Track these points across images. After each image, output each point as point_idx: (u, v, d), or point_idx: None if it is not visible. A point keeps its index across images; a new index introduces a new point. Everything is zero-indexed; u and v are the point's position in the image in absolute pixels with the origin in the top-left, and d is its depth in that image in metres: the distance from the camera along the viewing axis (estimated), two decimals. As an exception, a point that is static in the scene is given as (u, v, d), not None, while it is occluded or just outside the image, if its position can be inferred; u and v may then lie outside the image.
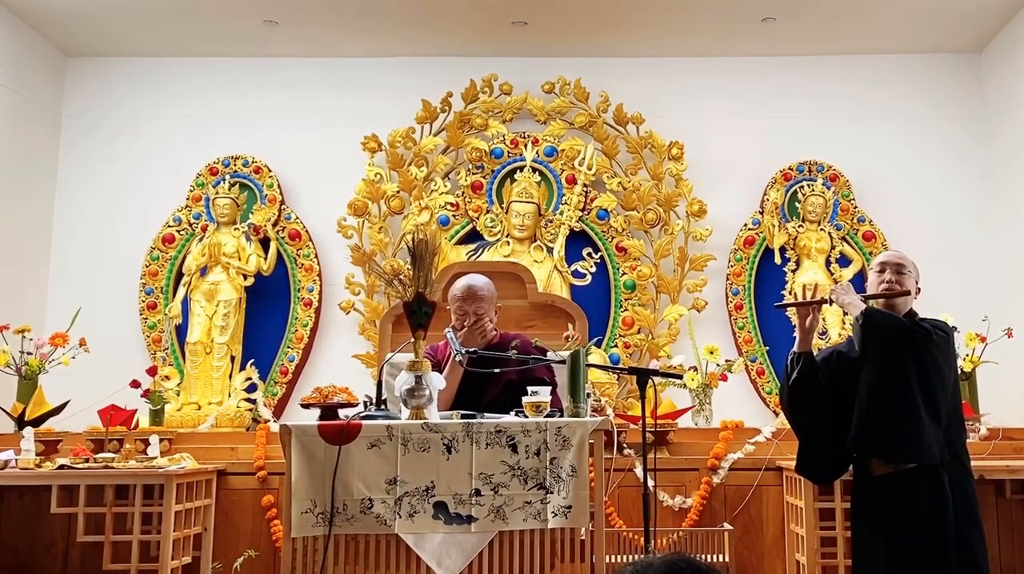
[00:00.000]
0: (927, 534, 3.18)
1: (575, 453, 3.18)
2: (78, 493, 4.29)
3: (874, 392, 3.30)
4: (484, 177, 6.60)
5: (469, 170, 6.62)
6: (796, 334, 3.60)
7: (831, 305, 3.56)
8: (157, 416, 5.56)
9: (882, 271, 3.52)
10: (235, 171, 6.64)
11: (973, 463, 3.43)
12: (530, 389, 3.35)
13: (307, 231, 6.61)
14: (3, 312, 5.80)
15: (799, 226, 6.51)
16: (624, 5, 6.19)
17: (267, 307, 6.52)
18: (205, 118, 6.82)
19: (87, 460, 4.41)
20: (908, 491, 3.23)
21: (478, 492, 3.12)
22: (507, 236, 6.50)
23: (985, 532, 3.35)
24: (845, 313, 3.62)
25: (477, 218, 6.55)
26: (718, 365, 5.61)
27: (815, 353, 3.62)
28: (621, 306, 6.45)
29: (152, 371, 5.67)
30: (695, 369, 5.61)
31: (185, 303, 6.40)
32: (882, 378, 3.29)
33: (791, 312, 6.20)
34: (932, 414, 3.24)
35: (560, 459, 3.17)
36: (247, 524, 4.77)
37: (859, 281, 6.45)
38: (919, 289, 3.55)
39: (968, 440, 3.57)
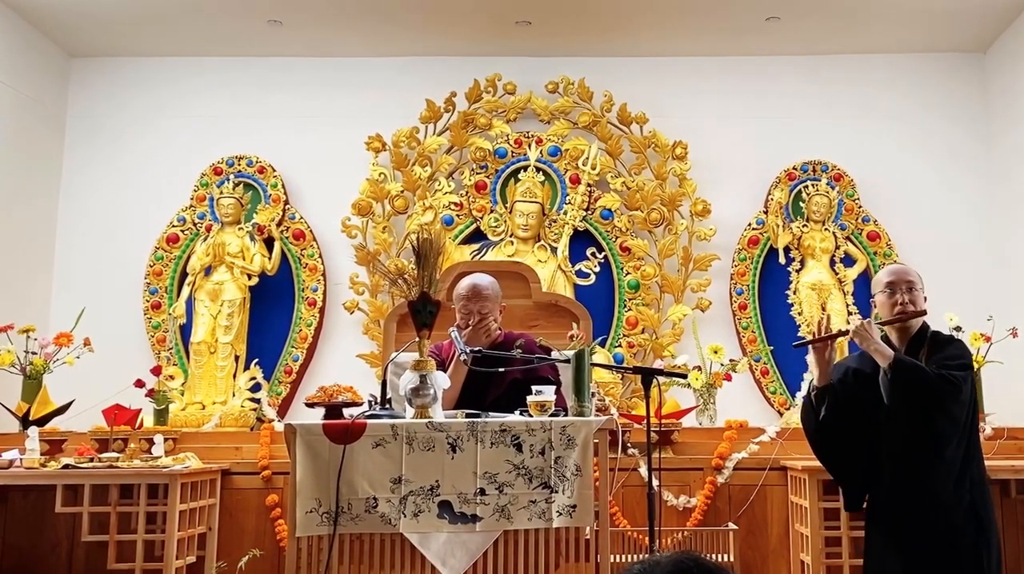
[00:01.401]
0: (942, 542, 3.16)
1: (580, 452, 3.18)
2: (82, 492, 4.30)
3: (905, 447, 3.22)
4: (488, 177, 6.60)
5: (473, 170, 6.62)
6: (814, 369, 3.41)
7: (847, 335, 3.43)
8: (161, 416, 5.56)
9: (893, 292, 3.41)
10: (239, 171, 6.64)
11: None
12: (534, 388, 3.35)
13: (311, 231, 6.62)
14: (8, 312, 5.81)
15: (803, 226, 6.50)
16: (628, 5, 6.19)
17: (271, 307, 6.52)
18: (209, 118, 6.82)
19: (91, 459, 4.42)
20: (929, 521, 3.19)
21: (483, 491, 3.12)
22: (511, 236, 6.50)
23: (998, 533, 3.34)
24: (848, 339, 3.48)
25: (481, 218, 6.55)
26: (722, 365, 5.60)
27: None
28: (625, 306, 6.45)
29: (156, 371, 5.68)
30: (699, 369, 5.61)
31: (189, 303, 6.41)
32: (912, 433, 3.21)
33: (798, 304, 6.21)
34: (963, 457, 3.21)
35: (565, 458, 3.17)
36: (251, 524, 4.78)
37: (863, 283, 6.45)
38: (925, 298, 3.45)
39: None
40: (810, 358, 3.44)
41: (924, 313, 3.42)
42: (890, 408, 3.24)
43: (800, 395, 5.94)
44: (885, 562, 3.30)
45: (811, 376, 3.46)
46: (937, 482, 3.19)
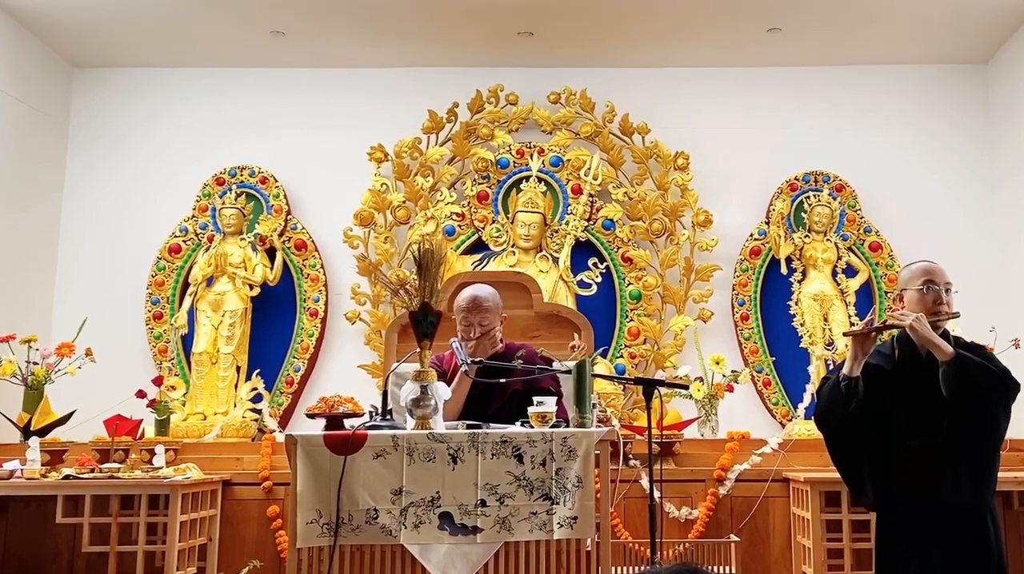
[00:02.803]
0: (969, 563, 3.15)
1: (581, 463, 3.17)
2: (83, 503, 4.30)
3: (964, 440, 3.18)
4: (490, 187, 6.60)
5: (475, 180, 6.62)
6: (851, 360, 3.35)
7: (901, 330, 3.37)
8: (163, 426, 5.56)
9: (928, 291, 3.35)
10: (241, 181, 6.65)
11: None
12: (535, 399, 3.34)
13: (313, 241, 6.62)
14: (9, 322, 5.81)
15: (805, 236, 6.49)
16: (630, 16, 6.20)
17: (273, 317, 6.52)
18: (211, 128, 6.83)
19: (92, 470, 4.42)
20: (955, 519, 3.18)
21: (484, 502, 3.11)
22: (513, 246, 6.50)
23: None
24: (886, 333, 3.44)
25: (483, 228, 6.55)
26: (724, 375, 5.59)
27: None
28: (627, 316, 6.44)
29: (158, 381, 5.68)
30: (701, 379, 5.60)
31: (191, 313, 6.40)
32: (974, 429, 3.18)
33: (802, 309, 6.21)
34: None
35: (566, 470, 3.16)
36: (252, 534, 4.77)
37: (865, 293, 6.45)
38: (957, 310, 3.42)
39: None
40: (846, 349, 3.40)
41: (958, 315, 3.38)
42: (950, 401, 3.17)
43: (802, 406, 5.94)
44: (903, 565, 3.28)
45: (812, 370, 3.46)
46: (988, 474, 3.20)
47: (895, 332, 3.43)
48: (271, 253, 6.54)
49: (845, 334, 3.95)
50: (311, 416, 5.12)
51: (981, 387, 3.15)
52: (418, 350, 3.29)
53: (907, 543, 3.27)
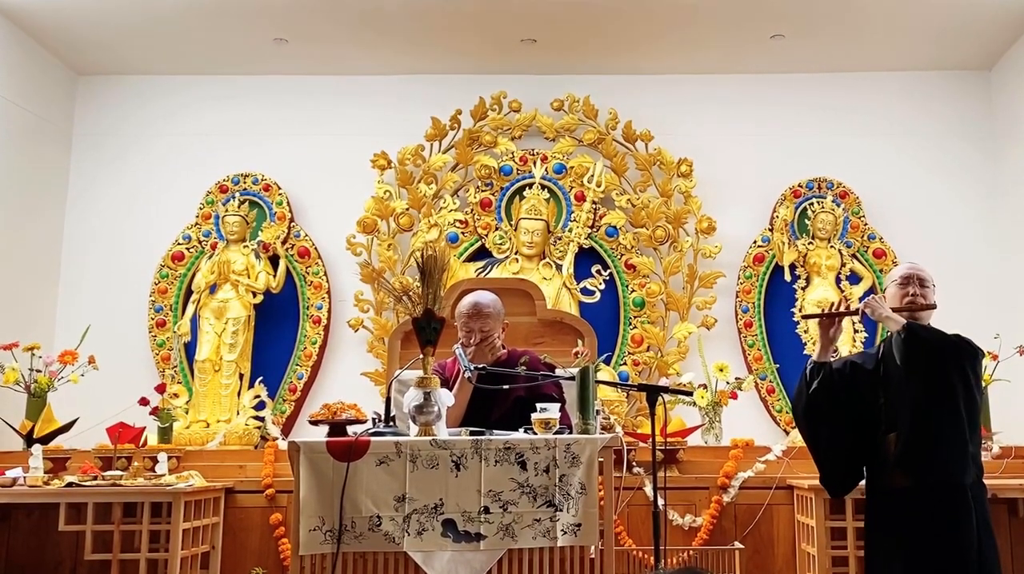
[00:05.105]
0: (948, 549, 3.16)
1: (584, 470, 3.16)
2: (86, 511, 4.28)
3: (921, 410, 3.24)
4: (493, 194, 6.60)
5: (478, 187, 6.62)
6: (817, 344, 3.62)
7: (861, 316, 3.53)
8: (165, 434, 5.55)
9: (905, 284, 3.48)
10: (245, 189, 6.65)
11: (985, 482, 3.40)
12: (539, 406, 3.34)
13: (316, 248, 6.62)
14: (13, 329, 5.81)
15: (809, 243, 6.49)
16: (633, 23, 6.20)
17: (276, 325, 6.52)
18: (215, 136, 6.84)
19: (95, 478, 4.41)
20: (933, 505, 3.20)
21: (487, 509, 3.10)
22: (516, 253, 6.49)
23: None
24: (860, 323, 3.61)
25: (486, 235, 6.55)
26: (728, 383, 5.58)
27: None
28: (630, 323, 6.43)
29: (161, 389, 5.67)
30: (705, 387, 5.59)
31: (194, 321, 6.40)
32: (928, 395, 3.24)
33: (807, 323, 6.21)
34: (971, 431, 3.25)
35: (569, 477, 3.15)
36: (255, 542, 4.76)
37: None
38: (935, 302, 3.53)
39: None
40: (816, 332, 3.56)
41: (934, 306, 3.47)
42: (904, 371, 3.26)
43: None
44: (889, 559, 3.29)
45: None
46: (951, 445, 3.21)
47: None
48: (274, 260, 6.54)
49: (802, 317, 4.13)
50: (314, 423, 5.11)
51: (929, 346, 3.24)
52: (421, 357, 3.28)
53: (889, 531, 3.33)
